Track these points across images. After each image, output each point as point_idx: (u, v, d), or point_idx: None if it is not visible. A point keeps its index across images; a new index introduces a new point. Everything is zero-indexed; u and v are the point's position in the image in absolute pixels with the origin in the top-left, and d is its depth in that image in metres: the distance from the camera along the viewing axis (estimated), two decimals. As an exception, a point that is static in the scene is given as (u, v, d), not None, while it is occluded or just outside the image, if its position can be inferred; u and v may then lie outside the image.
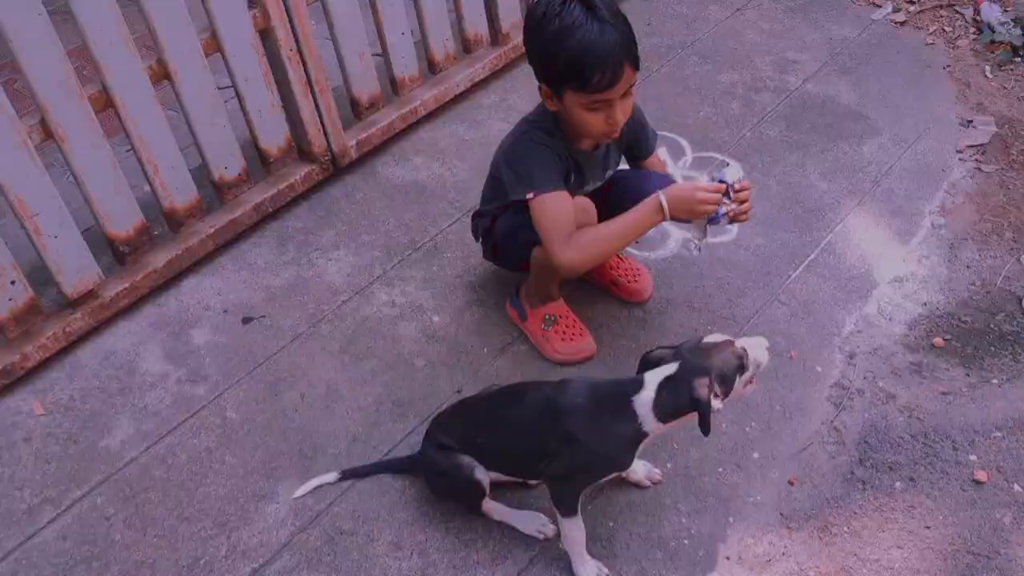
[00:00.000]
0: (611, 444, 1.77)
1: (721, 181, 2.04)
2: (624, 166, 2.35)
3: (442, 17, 3.08)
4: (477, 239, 2.43)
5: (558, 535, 1.94)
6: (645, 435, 1.74)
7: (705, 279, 2.54)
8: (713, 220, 2.07)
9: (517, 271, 2.39)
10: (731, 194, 2.04)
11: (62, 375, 2.40)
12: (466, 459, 1.89)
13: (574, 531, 1.86)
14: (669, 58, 3.40)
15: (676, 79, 3.30)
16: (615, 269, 2.47)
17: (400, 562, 1.96)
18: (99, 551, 2.01)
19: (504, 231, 2.28)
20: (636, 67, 1.95)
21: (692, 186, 2.04)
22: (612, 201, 2.19)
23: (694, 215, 2.04)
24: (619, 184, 2.27)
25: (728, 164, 2.05)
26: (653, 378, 1.72)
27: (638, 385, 1.73)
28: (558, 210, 2.02)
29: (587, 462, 1.80)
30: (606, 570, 1.90)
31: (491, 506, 1.99)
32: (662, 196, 2.01)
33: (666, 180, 2.21)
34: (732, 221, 2.09)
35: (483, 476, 1.89)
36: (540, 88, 2.03)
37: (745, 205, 2.06)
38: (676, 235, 2.67)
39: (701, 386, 1.64)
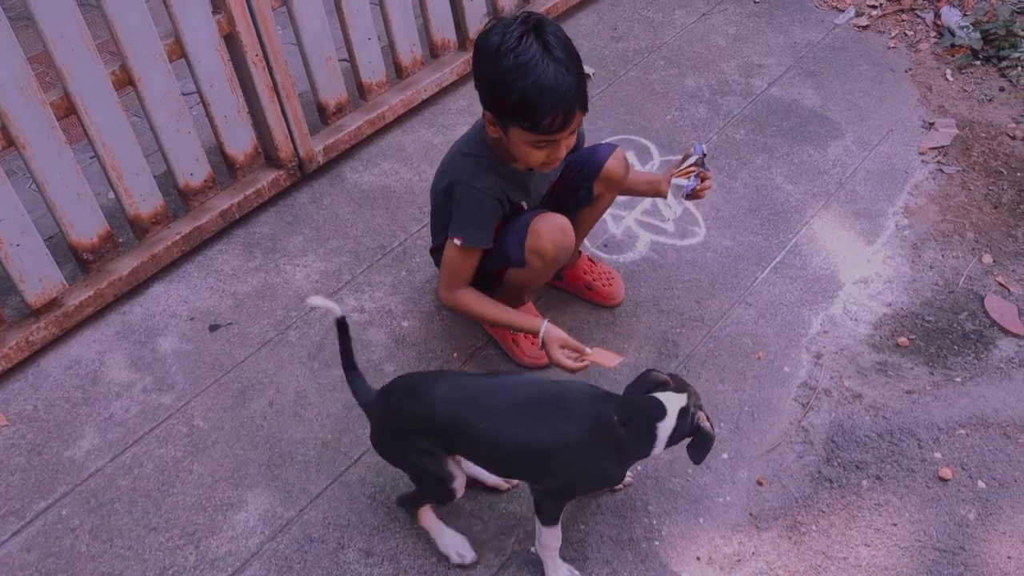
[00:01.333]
0: (625, 464, 1.84)
1: (701, 154, 2.20)
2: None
3: (409, 22, 3.07)
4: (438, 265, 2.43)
5: (477, 561, 1.93)
6: (648, 456, 1.80)
7: (673, 281, 2.55)
8: (687, 189, 2.23)
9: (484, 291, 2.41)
10: (705, 166, 2.20)
11: (25, 385, 2.36)
12: (451, 469, 1.80)
13: (552, 539, 1.86)
14: (636, 62, 3.42)
15: (643, 83, 3.31)
16: (588, 273, 2.48)
17: (371, 569, 1.95)
18: (65, 563, 1.98)
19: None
20: (585, 109, 1.93)
21: (561, 342, 2.04)
22: (570, 183, 2.27)
23: (550, 359, 2.05)
24: (572, 166, 2.26)
25: (702, 142, 2.21)
26: (672, 405, 1.76)
27: (662, 412, 1.76)
28: (464, 266, 2.12)
29: (590, 478, 1.80)
30: (578, 573, 1.91)
31: (425, 511, 1.96)
32: (544, 327, 2.05)
33: (610, 146, 2.26)
34: (691, 197, 2.23)
35: (460, 487, 1.83)
36: (485, 114, 1.98)
37: (707, 182, 2.22)
38: (644, 238, 2.69)
39: (705, 419, 1.79)
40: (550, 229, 2.09)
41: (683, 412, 1.77)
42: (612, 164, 2.23)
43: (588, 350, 2.01)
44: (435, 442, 1.77)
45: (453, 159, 2.13)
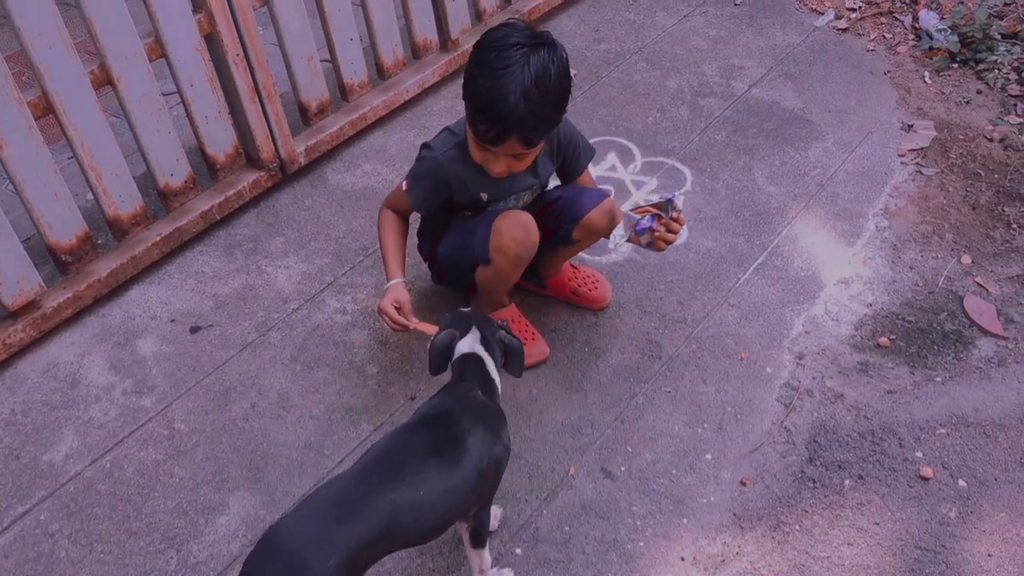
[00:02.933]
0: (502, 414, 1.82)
1: (669, 200, 2.08)
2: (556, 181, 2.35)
3: (391, 23, 3.06)
4: (424, 261, 2.43)
5: None
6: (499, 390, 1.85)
7: (656, 282, 2.56)
8: (637, 225, 2.14)
9: (465, 292, 2.43)
10: (669, 213, 2.09)
11: (2, 388, 2.33)
12: None
13: (488, 560, 1.83)
14: (618, 64, 3.42)
15: (625, 84, 3.32)
16: (573, 280, 2.47)
17: (355, 572, 1.93)
18: (44, 569, 1.96)
19: (445, 258, 2.31)
20: (529, 144, 1.92)
21: (396, 302, 2.07)
22: (551, 220, 2.23)
23: (380, 307, 2.07)
24: (557, 204, 2.24)
25: (680, 195, 2.11)
26: (476, 349, 1.83)
27: (478, 359, 1.82)
28: (398, 196, 2.19)
29: (503, 454, 1.76)
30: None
31: None
32: (393, 282, 2.12)
33: (600, 196, 2.22)
34: (651, 244, 2.14)
35: None
36: None
37: (670, 235, 2.11)
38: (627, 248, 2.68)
39: (507, 334, 1.87)
40: (511, 226, 2.09)
41: (485, 342, 1.83)
42: (595, 215, 2.18)
43: (413, 324, 2.06)
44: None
45: (441, 132, 2.17)
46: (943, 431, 2.16)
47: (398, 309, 2.06)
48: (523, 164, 2.02)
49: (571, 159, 2.25)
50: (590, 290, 2.46)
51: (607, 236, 2.30)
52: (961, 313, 2.45)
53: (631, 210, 2.18)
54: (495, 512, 1.98)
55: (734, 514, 2.03)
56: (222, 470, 2.13)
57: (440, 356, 1.84)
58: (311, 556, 1.44)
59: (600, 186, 2.85)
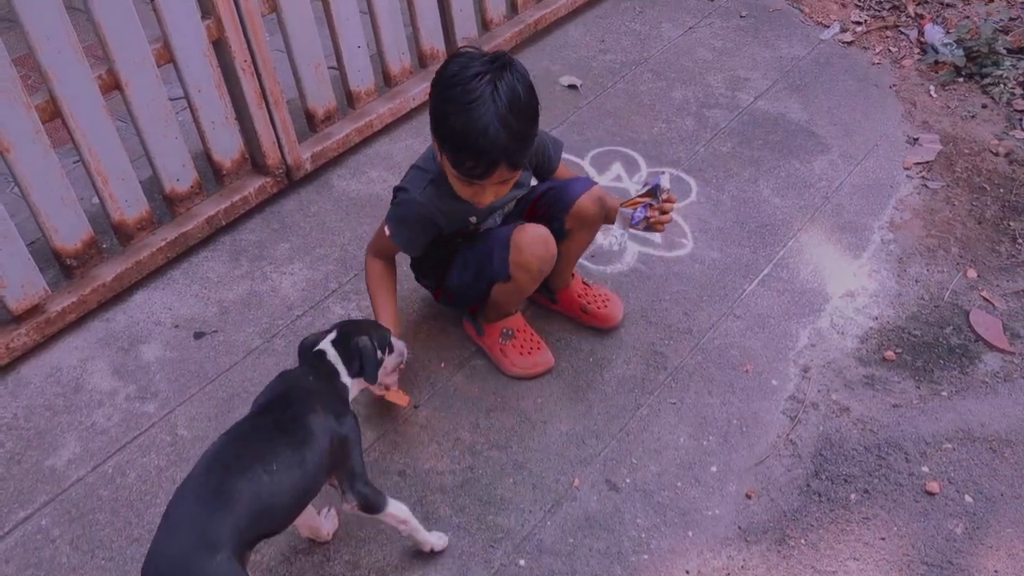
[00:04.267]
0: (347, 404, 1.85)
1: (655, 185, 2.10)
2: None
3: (398, 31, 3.06)
4: (425, 288, 2.44)
5: None
6: (347, 387, 1.88)
7: (661, 293, 2.56)
8: (632, 219, 2.14)
9: (470, 309, 2.42)
10: (658, 198, 2.10)
11: (5, 392, 2.33)
12: None
13: (404, 512, 1.85)
14: (623, 74, 3.43)
15: (630, 95, 3.32)
16: (583, 296, 2.44)
17: (358, 581, 1.93)
18: (44, 574, 1.95)
19: (460, 284, 2.30)
20: (516, 168, 1.92)
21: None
22: (542, 215, 2.22)
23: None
24: (546, 197, 2.24)
25: (664, 173, 2.11)
26: (325, 343, 1.88)
27: (322, 352, 1.88)
28: (380, 239, 2.21)
29: (351, 433, 1.79)
30: (444, 536, 1.97)
31: None
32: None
33: (587, 183, 2.21)
34: (649, 228, 2.14)
35: None
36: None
37: (665, 216, 2.12)
38: (632, 249, 2.69)
39: (365, 340, 1.89)
40: (532, 242, 2.09)
41: (339, 342, 1.87)
42: (584, 201, 2.17)
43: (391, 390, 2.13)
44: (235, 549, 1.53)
45: (411, 169, 2.16)
46: (949, 446, 2.16)
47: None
48: (508, 188, 2.01)
49: (544, 161, 2.24)
50: (599, 308, 2.44)
51: (600, 225, 2.28)
52: (967, 327, 2.45)
53: (622, 205, 2.18)
54: (331, 514, 2.01)
55: (739, 527, 2.02)
56: (225, 477, 2.12)
57: (304, 353, 1.91)
58: (198, 560, 1.47)
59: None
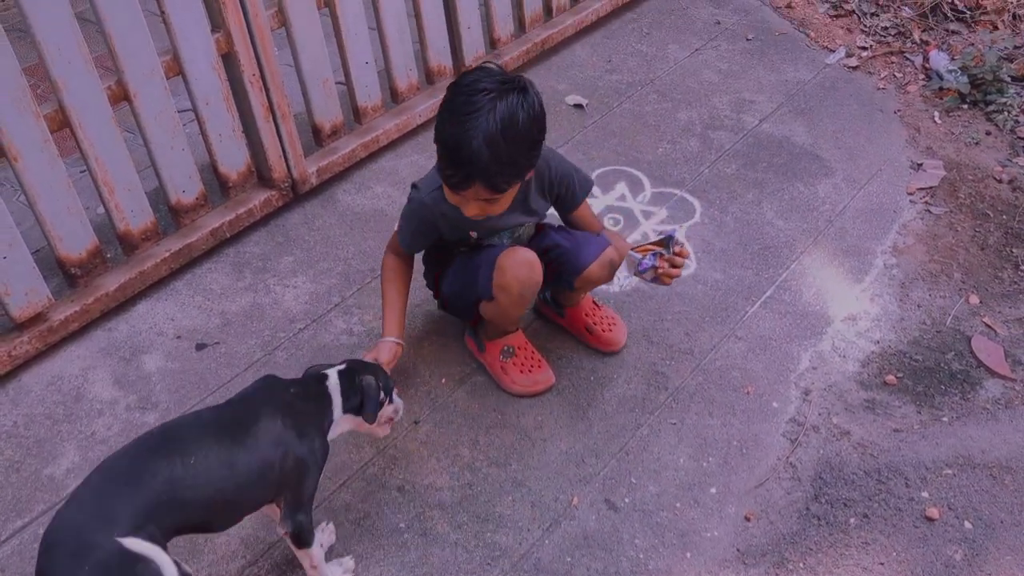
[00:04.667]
0: (322, 431, 1.82)
1: (669, 236, 2.10)
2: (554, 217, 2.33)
3: (406, 48, 3.08)
4: (429, 288, 2.44)
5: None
6: (333, 418, 1.86)
7: (663, 313, 2.56)
8: (640, 265, 2.14)
9: (471, 322, 2.42)
10: (671, 249, 2.10)
11: (6, 400, 2.33)
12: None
13: (319, 558, 1.84)
14: (629, 95, 3.44)
15: (636, 115, 3.34)
16: (590, 316, 2.43)
17: (354, 596, 1.92)
18: (40, 584, 1.94)
19: (450, 292, 2.32)
20: (496, 191, 1.90)
21: (373, 359, 2.10)
22: (552, 268, 2.20)
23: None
24: (557, 253, 2.22)
25: (680, 228, 2.11)
26: (332, 372, 1.89)
27: (324, 376, 1.88)
28: (393, 241, 2.25)
29: (309, 457, 1.75)
30: (349, 560, 1.96)
31: None
32: (384, 341, 2.16)
33: (599, 246, 2.19)
34: (656, 279, 2.15)
35: None
36: None
37: (674, 270, 2.13)
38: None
39: (372, 380, 1.88)
40: (515, 264, 2.09)
41: (345, 374, 1.87)
42: (593, 269, 2.17)
43: None
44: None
45: (430, 172, 2.16)
46: (950, 472, 2.15)
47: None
48: (497, 208, 1.99)
49: (566, 195, 2.22)
50: (604, 331, 2.43)
51: (609, 281, 2.30)
52: (969, 353, 2.45)
53: (633, 249, 2.18)
54: (329, 528, 2.01)
55: (738, 550, 2.01)
56: (223, 489, 2.12)
57: (307, 374, 1.92)
58: (96, 532, 1.47)
59: (609, 215, 2.88)
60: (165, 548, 1.53)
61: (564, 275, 2.23)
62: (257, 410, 1.72)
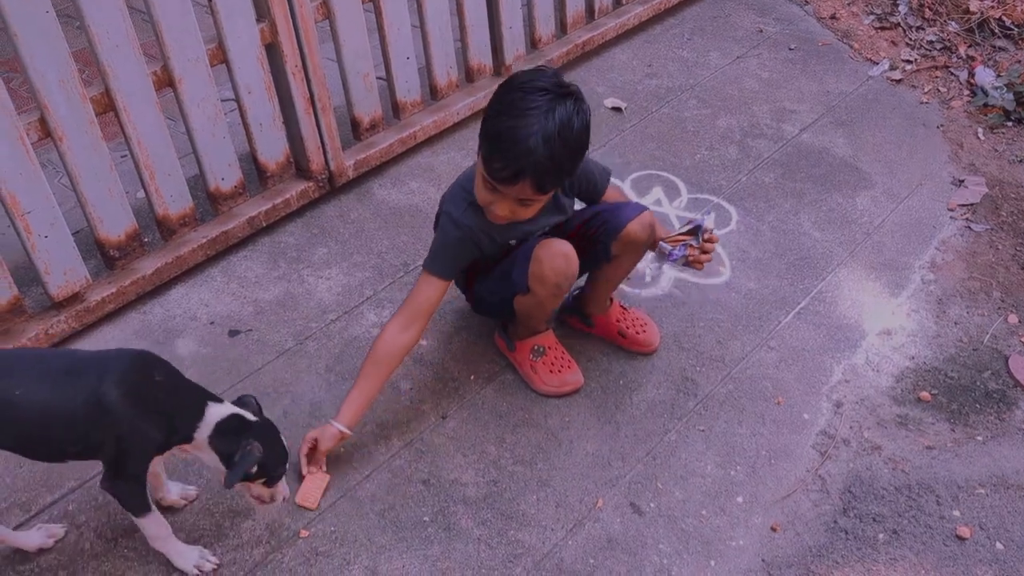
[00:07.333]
0: (165, 426, 1.76)
1: (698, 225, 2.09)
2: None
3: (447, 45, 3.09)
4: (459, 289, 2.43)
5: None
6: (190, 436, 1.80)
7: (696, 319, 2.54)
8: (671, 255, 2.12)
9: (502, 321, 2.41)
10: (700, 238, 2.09)
11: (41, 377, 2.35)
12: None
13: (157, 527, 1.86)
14: (668, 100, 3.43)
15: (675, 121, 3.32)
16: (621, 320, 2.42)
17: (376, 587, 1.92)
18: (67, 560, 1.96)
19: (482, 297, 2.33)
20: (541, 190, 1.89)
21: (312, 441, 2.08)
22: (590, 236, 2.19)
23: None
24: (597, 220, 2.20)
25: (708, 212, 2.08)
26: (234, 409, 1.82)
27: (219, 399, 1.83)
28: (420, 292, 2.10)
29: (135, 432, 1.73)
30: (210, 555, 1.94)
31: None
32: (327, 427, 2.08)
33: (638, 208, 2.17)
34: (688, 264, 2.13)
35: None
36: None
37: (705, 256, 2.11)
38: (668, 274, 2.67)
39: (256, 451, 1.77)
40: (551, 256, 2.08)
41: (241, 420, 1.80)
42: (634, 227, 2.13)
43: (305, 471, 2.09)
44: None
45: (453, 188, 2.15)
46: (982, 491, 2.12)
47: (311, 450, 2.08)
48: (527, 213, 1.98)
49: (589, 189, 2.24)
50: (637, 333, 2.42)
51: (645, 252, 2.26)
52: (1006, 373, 2.41)
53: (662, 240, 2.15)
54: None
55: (763, 560, 1.99)
56: (250, 475, 2.13)
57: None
58: None
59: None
60: None
61: (602, 239, 2.17)
62: (96, 370, 1.71)
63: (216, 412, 1.79)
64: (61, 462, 1.82)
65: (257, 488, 1.87)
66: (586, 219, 2.23)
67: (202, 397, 1.81)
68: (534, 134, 1.81)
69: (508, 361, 2.40)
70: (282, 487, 1.92)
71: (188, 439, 1.78)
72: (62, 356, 1.84)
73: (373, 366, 2.09)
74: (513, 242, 2.18)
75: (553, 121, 1.81)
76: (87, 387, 1.68)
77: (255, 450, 1.77)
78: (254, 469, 1.79)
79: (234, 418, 1.80)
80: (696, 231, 2.11)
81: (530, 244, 2.13)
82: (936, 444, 2.23)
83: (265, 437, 1.82)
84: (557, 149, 1.83)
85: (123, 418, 1.69)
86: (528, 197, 1.92)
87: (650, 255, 2.26)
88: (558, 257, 2.09)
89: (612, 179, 2.29)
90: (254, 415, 1.85)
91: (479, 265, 2.27)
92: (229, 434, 1.78)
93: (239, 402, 1.87)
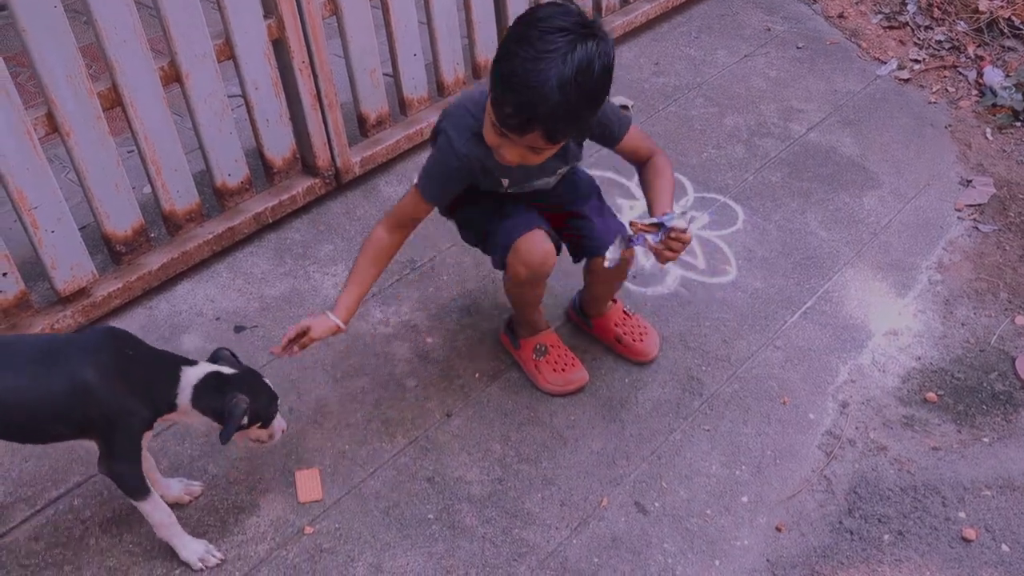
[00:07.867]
0: (148, 399, 1.77)
1: (660, 222, 1.91)
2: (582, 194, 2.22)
3: (455, 42, 3.09)
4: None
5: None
6: (174, 405, 1.80)
7: (701, 318, 2.53)
8: (632, 241, 1.95)
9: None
10: (660, 236, 1.91)
11: (47, 372, 2.36)
12: None
13: (161, 514, 1.86)
14: (676, 98, 3.42)
15: (681, 119, 3.32)
16: (620, 326, 2.40)
17: (380, 585, 1.92)
18: (72, 555, 1.97)
19: (460, 223, 2.26)
20: (552, 141, 1.76)
21: (304, 326, 1.99)
22: (572, 237, 2.17)
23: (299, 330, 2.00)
24: (581, 226, 2.14)
25: (684, 213, 1.94)
26: (210, 367, 1.83)
27: (193, 362, 1.84)
28: (408, 205, 2.04)
29: (121, 407, 1.74)
30: (215, 550, 1.94)
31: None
32: (325, 315, 2.00)
33: (618, 227, 2.12)
34: (657, 256, 1.94)
35: None
36: None
37: (669, 253, 1.91)
38: (674, 273, 2.67)
39: (242, 402, 1.78)
40: (529, 251, 2.04)
41: (219, 376, 1.79)
42: (605, 263, 1.97)
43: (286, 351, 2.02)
44: None
45: (458, 109, 1.98)
46: (988, 493, 2.11)
47: (301, 334, 1.98)
48: (537, 159, 1.84)
49: (603, 134, 2.06)
50: (634, 341, 2.39)
51: (627, 274, 2.29)
52: (1012, 374, 2.40)
53: (632, 222, 1.97)
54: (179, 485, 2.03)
55: (768, 560, 1.99)
56: (255, 471, 2.13)
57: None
58: None
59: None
60: None
61: (580, 254, 2.20)
62: (70, 354, 1.71)
63: (192, 374, 1.79)
64: (57, 442, 1.82)
65: (255, 432, 1.89)
66: (573, 215, 2.16)
67: (175, 363, 1.81)
68: (549, 79, 1.63)
69: (514, 359, 2.40)
70: (278, 423, 1.93)
71: (172, 407, 1.78)
72: (31, 342, 1.82)
73: (367, 264, 2.04)
74: (505, 182, 2.03)
75: (571, 65, 1.63)
76: (66, 372, 1.69)
77: (241, 402, 1.78)
78: (245, 420, 1.80)
79: (212, 376, 1.80)
80: (658, 226, 1.92)
81: (515, 224, 2.05)
82: (942, 445, 2.23)
83: (248, 385, 1.83)
84: (573, 96, 1.66)
85: (105, 398, 1.70)
86: (540, 146, 1.78)
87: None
88: (535, 254, 2.04)
89: (616, 177, 2.23)
90: (232, 367, 1.85)
91: (463, 199, 2.14)
92: (211, 392, 1.78)
93: (214, 358, 1.87)
